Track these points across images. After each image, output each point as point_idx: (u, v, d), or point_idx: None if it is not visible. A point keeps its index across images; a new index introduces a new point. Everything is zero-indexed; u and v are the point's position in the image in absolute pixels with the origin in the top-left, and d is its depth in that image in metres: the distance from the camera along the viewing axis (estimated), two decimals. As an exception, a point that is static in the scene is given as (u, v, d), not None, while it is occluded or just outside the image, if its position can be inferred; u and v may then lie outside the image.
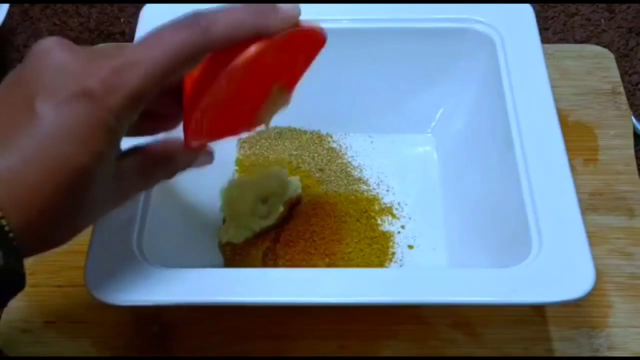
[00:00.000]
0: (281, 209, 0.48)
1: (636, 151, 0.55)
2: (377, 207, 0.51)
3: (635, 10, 0.66)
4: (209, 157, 0.39)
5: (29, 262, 0.50)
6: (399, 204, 0.52)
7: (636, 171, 0.54)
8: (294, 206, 0.50)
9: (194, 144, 0.36)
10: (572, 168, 0.42)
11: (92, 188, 0.30)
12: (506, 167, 0.43)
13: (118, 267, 0.38)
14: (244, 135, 0.51)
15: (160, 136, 0.37)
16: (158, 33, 0.31)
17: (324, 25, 0.50)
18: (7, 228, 0.27)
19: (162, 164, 0.36)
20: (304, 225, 0.49)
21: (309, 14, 0.49)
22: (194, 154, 0.38)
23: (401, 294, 0.38)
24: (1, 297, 0.29)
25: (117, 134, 0.30)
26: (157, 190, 0.43)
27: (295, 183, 0.50)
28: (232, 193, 0.49)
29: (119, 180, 0.33)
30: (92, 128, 0.29)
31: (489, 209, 0.46)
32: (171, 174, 0.37)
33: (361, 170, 0.54)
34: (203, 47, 0.31)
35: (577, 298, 0.37)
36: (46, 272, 0.49)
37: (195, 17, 0.31)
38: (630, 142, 0.55)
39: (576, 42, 0.65)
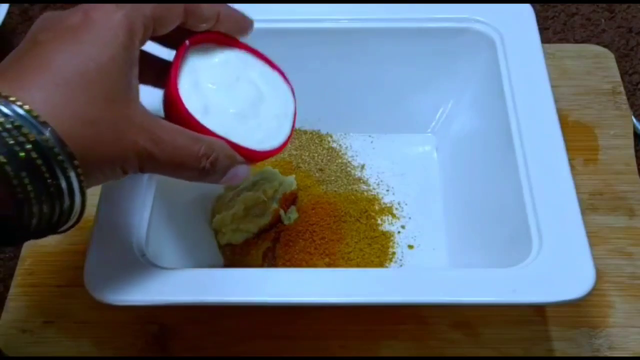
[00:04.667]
0: (275, 206, 0.48)
1: (636, 151, 0.55)
2: (377, 207, 0.51)
3: (635, 10, 0.66)
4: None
5: (29, 262, 0.51)
6: (399, 204, 0.52)
7: (636, 171, 0.54)
8: (290, 203, 0.50)
9: None
10: (572, 168, 0.42)
11: (105, 93, 0.30)
12: (506, 167, 0.43)
13: (118, 267, 0.38)
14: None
15: None
16: None
17: (324, 25, 0.50)
18: (68, 149, 0.28)
19: None
20: (304, 225, 0.49)
21: (309, 14, 0.50)
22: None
23: (401, 294, 0.38)
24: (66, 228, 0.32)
25: (118, 48, 0.31)
26: (157, 191, 0.43)
27: (289, 180, 0.50)
28: (221, 218, 0.49)
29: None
30: (93, 41, 0.30)
31: (489, 208, 0.46)
32: None
33: (361, 170, 0.54)
34: None
35: (577, 298, 0.37)
36: (46, 272, 0.49)
37: None
38: (630, 142, 0.55)
39: (576, 42, 0.65)
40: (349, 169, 0.53)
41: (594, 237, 0.41)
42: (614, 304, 0.48)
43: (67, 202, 0.29)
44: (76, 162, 0.28)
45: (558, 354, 0.46)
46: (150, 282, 0.38)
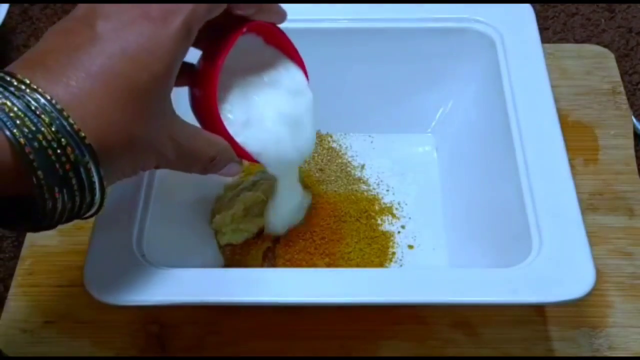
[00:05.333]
0: None
1: (636, 151, 0.55)
2: (377, 207, 0.51)
3: (636, 10, 0.66)
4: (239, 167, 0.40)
5: (29, 262, 0.51)
6: (399, 204, 0.52)
7: (636, 171, 0.54)
8: None
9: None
10: (572, 168, 0.42)
11: (151, 107, 0.31)
12: (506, 166, 0.43)
13: (118, 267, 0.38)
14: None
15: None
16: None
17: (324, 25, 0.50)
18: (93, 146, 0.28)
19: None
20: (304, 225, 0.49)
21: (309, 14, 0.50)
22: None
23: (401, 294, 0.38)
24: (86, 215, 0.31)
25: (175, 56, 0.31)
26: (157, 190, 0.43)
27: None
28: (220, 218, 0.49)
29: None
30: (152, 49, 0.30)
31: (489, 208, 0.46)
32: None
33: (361, 170, 0.54)
34: None
35: (577, 298, 0.37)
36: (46, 272, 0.49)
37: None
38: (630, 142, 0.55)
39: (576, 42, 0.65)
40: (349, 169, 0.53)
41: (594, 237, 0.41)
42: (614, 304, 0.48)
43: (87, 197, 0.29)
44: (102, 172, 0.29)
45: (558, 354, 0.46)
46: (150, 282, 0.38)
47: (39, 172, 0.27)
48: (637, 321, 0.47)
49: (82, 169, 0.28)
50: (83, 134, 0.27)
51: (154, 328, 0.47)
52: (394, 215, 0.51)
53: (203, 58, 0.37)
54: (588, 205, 0.52)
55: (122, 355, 0.46)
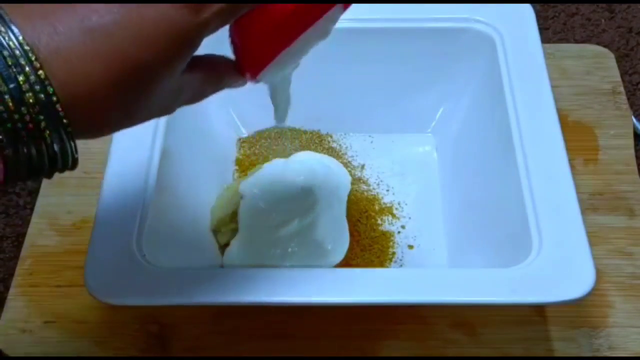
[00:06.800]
0: None
1: (636, 151, 0.55)
2: (377, 207, 0.51)
3: (636, 10, 0.66)
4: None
5: (29, 262, 0.51)
6: (399, 203, 0.52)
7: (636, 171, 0.54)
8: None
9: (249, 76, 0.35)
10: (572, 168, 0.42)
11: (150, 89, 0.28)
12: (506, 167, 0.43)
13: (118, 267, 0.38)
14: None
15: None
16: None
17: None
18: (58, 107, 0.25)
19: (213, 84, 0.34)
20: (304, 225, 0.49)
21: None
22: (241, 78, 0.36)
23: (401, 294, 0.38)
24: (49, 173, 0.27)
25: (193, 46, 0.28)
26: (157, 191, 0.43)
27: None
28: (220, 218, 0.49)
29: (173, 90, 0.31)
30: (171, 33, 0.27)
31: (489, 209, 0.46)
32: (217, 91, 0.35)
33: (361, 170, 0.54)
34: None
35: (577, 298, 0.37)
36: (46, 272, 0.49)
37: None
38: (630, 142, 0.55)
39: (576, 42, 0.65)
40: (349, 169, 0.53)
41: (594, 237, 0.41)
42: (614, 304, 0.48)
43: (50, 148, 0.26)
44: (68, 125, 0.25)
45: (558, 354, 0.46)
46: (150, 282, 0.38)
47: None
48: (637, 321, 0.47)
49: (42, 124, 0.24)
50: (55, 98, 0.24)
51: (154, 328, 0.47)
52: (394, 215, 0.51)
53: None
54: (588, 205, 0.52)
55: (122, 355, 0.46)
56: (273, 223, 0.46)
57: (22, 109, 0.24)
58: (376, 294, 0.38)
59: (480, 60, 0.50)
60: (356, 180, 0.53)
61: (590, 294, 0.37)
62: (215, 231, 0.49)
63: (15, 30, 0.24)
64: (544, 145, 0.43)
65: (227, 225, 0.48)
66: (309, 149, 0.54)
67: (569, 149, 0.43)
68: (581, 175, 0.53)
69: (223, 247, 0.48)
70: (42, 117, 0.24)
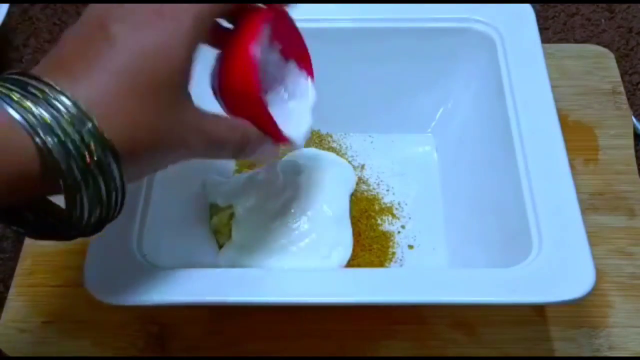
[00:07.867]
0: None
1: (636, 151, 0.55)
2: (377, 207, 0.51)
3: (636, 10, 0.66)
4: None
5: (28, 262, 0.51)
6: (399, 204, 0.52)
7: (636, 171, 0.54)
8: None
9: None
10: (572, 168, 0.42)
11: (173, 100, 0.31)
12: (506, 167, 0.43)
13: (118, 267, 0.38)
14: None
15: None
16: None
17: (323, 25, 0.50)
18: (115, 147, 0.28)
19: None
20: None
21: (310, 13, 0.50)
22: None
23: (401, 294, 0.38)
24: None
25: (191, 49, 0.31)
26: (157, 191, 0.43)
27: None
28: (220, 218, 0.49)
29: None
30: (169, 44, 0.30)
31: (489, 208, 0.46)
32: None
33: (361, 170, 0.54)
34: None
35: (577, 298, 0.37)
36: (46, 272, 0.49)
37: None
38: (630, 142, 0.55)
39: (576, 42, 0.65)
40: (349, 169, 0.53)
41: (594, 237, 0.41)
42: (614, 304, 0.48)
43: (113, 197, 0.30)
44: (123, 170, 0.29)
45: (558, 354, 0.46)
46: (150, 282, 0.38)
47: (65, 175, 0.27)
48: (637, 321, 0.47)
49: (105, 169, 0.28)
50: (106, 135, 0.28)
51: (154, 328, 0.47)
52: (394, 215, 0.51)
53: (228, 46, 0.36)
54: (588, 205, 0.52)
55: (122, 355, 0.46)
56: (273, 223, 0.46)
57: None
58: (376, 294, 0.38)
59: (480, 60, 0.50)
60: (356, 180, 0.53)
61: (590, 294, 0.36)
62: (215, 231, 0.49)
63: (66, 94, 0.27)
64: (544, 145, 0.43)
65: (226, 225, 0.48)
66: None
67: (569, 149, 0.42)
68: (581, 175, 0.53)
69: (223, 247, 0.48)
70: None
